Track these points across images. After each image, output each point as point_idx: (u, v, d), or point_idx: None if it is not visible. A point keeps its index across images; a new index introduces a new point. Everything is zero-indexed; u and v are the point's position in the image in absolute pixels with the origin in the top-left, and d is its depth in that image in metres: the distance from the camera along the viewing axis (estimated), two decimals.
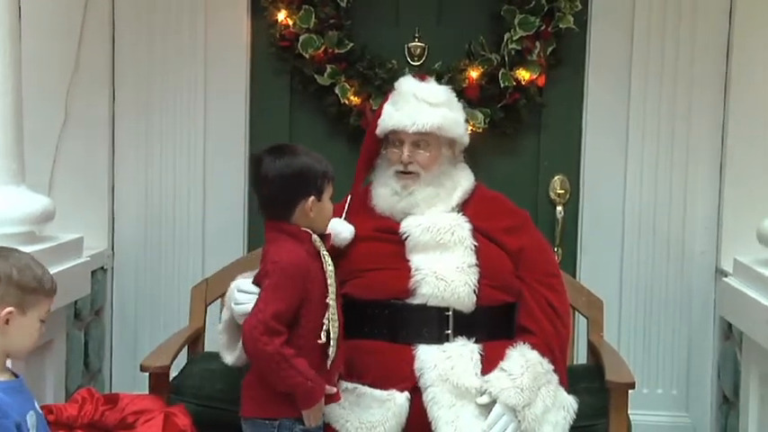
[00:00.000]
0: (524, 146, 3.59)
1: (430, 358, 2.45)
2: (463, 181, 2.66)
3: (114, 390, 3.49)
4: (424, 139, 2.58)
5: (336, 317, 2.34)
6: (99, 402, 2.42)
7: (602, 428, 2.59)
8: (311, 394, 2.29)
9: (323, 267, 2.35)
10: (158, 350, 2.80)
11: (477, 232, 2.58)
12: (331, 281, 2.34)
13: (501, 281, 2.56)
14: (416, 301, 2.50)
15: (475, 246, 2.55)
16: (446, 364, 2.43)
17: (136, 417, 2.39)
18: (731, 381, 3.24)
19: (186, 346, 2.96)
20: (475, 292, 2.50)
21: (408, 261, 2.53)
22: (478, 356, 2.47)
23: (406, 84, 2.65)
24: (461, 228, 2.57)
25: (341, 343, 2.37)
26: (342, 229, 2.56)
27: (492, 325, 2.54)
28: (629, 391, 2.58)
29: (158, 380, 2.65)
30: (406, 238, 2.55)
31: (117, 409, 2.41)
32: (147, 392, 2.63)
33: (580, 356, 3.23)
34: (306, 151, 2.42)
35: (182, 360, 2.93)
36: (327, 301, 2.32)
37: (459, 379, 2.41)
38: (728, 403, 3.30)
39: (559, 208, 3.53)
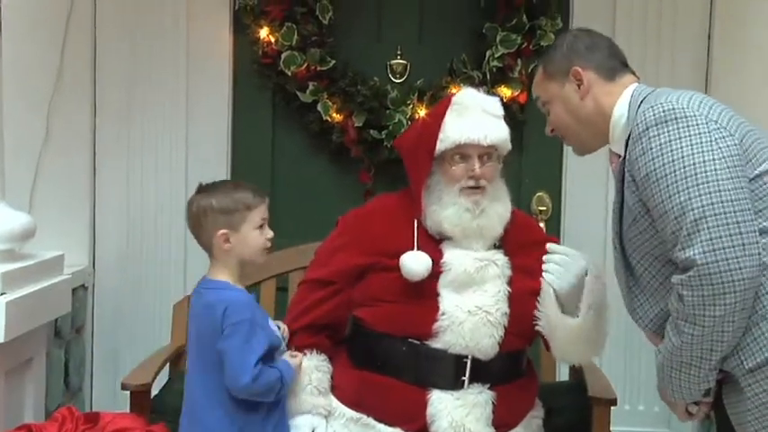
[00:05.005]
0: (506, 162, 3.57)
1: (444, 406, 2.37)
2: (504, 206, 2.53)
3: (95, 408, 3.46)
4: (488, 152, 2.47)
5: None
6: (79, 421, 2.40)
7: None
8: None
9: None
10: (139, 368, 2.79)
11: (514, 269, 2.46)
12: None
13: (527, 329, 2.45)
14: (437, 345, 2.38)
15: (509, 292, 2.43)
16: (460, 412, 2.36)
17: None
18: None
19: (168, 364, 2.94)
20: (499, 343, 2.41)
21: (437, 296, 2.40)
22: (492, 405, 2.40)
23: (471, 96, 2.53)
24: (501, 272, 2.44)
25: None
26: (414, 263, 2.38)
27: (506, 369, 2.46)
28: (612, 408, 2.59)
29: (139, 398, 2.63)
30: (443, 271, 2.40)
31: (98, 428, 2.40)
32: (128, 411, 2.62)
33: (562, 374, 3.23)
34: None
35: (163, 378, 2.91)
36: None
37: (473, 427, 2.35)
38: (710, 419, 3.30)
39: (541, 224, 3.54)
